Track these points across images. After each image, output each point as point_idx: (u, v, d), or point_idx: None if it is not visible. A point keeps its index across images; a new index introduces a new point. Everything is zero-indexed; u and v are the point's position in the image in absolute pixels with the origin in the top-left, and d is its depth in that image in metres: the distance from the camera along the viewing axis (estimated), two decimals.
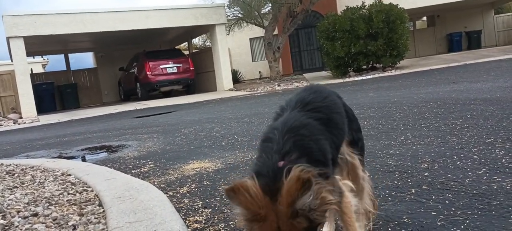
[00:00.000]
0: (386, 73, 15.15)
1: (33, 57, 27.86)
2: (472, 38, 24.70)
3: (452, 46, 24.50)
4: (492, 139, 3.30)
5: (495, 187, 2.25)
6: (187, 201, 2.76)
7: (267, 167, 1.32)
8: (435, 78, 10.57)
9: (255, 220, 1.23)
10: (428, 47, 25.65)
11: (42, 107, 17.85)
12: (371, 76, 14.97)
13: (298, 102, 1.61)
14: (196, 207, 2.62)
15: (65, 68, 22.81)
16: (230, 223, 2.26)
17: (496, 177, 2.40)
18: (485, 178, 2.42)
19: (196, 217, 2.42)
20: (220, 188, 2.97)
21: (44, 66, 34.76)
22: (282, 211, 1.21)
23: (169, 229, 1.78)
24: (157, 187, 2.99)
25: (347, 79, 15.13)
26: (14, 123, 13.76)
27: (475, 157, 2.88)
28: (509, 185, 2.25)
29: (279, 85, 16.29)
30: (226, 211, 2.47)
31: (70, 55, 23.11)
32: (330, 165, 1.50)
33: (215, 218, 2.36)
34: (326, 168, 1.44)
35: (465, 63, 15.19)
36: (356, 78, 14.92)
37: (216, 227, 2.22)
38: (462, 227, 1.83)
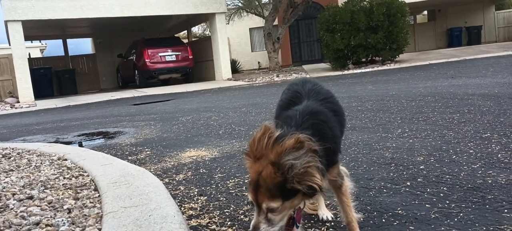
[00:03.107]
0: (385, 67, 15.13)
1: (31, 42, 27.74)
2: (472, 34, 24.65)
3: (452, 41, 24.46)
4: (488, 134, 3.31)
5: (489, 181, 2.26)
6: (182, 188, 2.77)
7: (285, 133, 1.45)
8: (433, 72, 10.57)
9: (251, 155, 1.44)
10: (428, 41, 25.60)
11: (40, 92, 17.77)
12: (370, 69, 14.95)
13: (311, 92, 1.74)
14: (192, 194, 2.62)
15: (63, 54, 22.69)
16: (225, 211, 2.26)
17: (491, 172, 2.41)
18: (480, 172, 2.43)
19: (191, 204, 2.43)
20: (216, 176, 2.98)
21: (42, 51, 34.58)
22: (270, 159, 1.37)
23: (164, 215, 1.78)
24: (153, 173, 2.99)
25: (346, 72, 15.11)
26: (11, 107, 13.73)
27: (471, 151, 2.89)
28: (503, 180, 2.26)
29: (278, 76, 16.26)
30: (221, 199, 2.47)
31: (68, 40, 22.97)
32: (338, 152, 1.65)
33: (210, 206, 2.36)
34: (335, 155, 1.60)
35: (464, 58, 15.19)
36: (355, 71, 14.90)
37: (211, 214, 2.23)
38: (456, 220, 1.84)
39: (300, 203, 1.48)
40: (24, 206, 2.16)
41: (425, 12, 29.27)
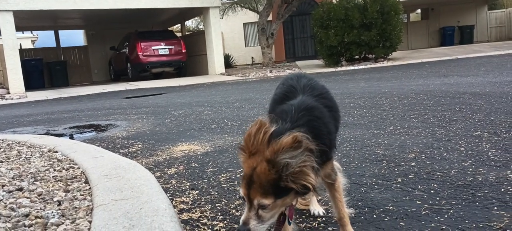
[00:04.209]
0: (378, 64, 15.19)
1: (22, 33, 27.40)
2: (464, 33, 24.83)
3: (445, 40, 24.62)
4: (479, 132, 3.34)
5: (480, 179, 2.28)
6: (174, 182, 2.76)
7: (281, 129, 1.46)
8: (426, 71, 10.63)
9: (246, 150, 1.42)
10: (420, 40, 25.74)
11: (30, 84, 17.58)
12: (363, 66, 14.99)
13: (306, 87, 1.73)
14: (184, 188, 2.61)
15: (55, 45, 22.45)
16: (216, 205, 2.26)
17: (481, 169, 2.43)
18: (470, 170, 2.45)
19: (183, 198, 2.42)
20: (208, 171, 2.97)
21: (33, 42, 34.22)
22: (266, 156, 1.35)
23: (155, 208, 1.77)
24: (144, 167, 2.98)
25: (339, 69, 15.14)
26: (1, 98, 13.56)
27: (462, 149, 2.91)
28: (493, 177, 2.28)
29: (271, 72, 16.25)
30: (213, 193, 2.47)
31: (60, 32, 22.72)
32: (333, 147, 1.65)
33: (202, 200, 2.36)
34: (329, 151, 1.60)
35: (457, 57, 15.29)
36: (348, 68, 14.94)
37: (202, 208, 2.22)
38: (446, 216, 1.85)
39: (292, 202, 1.48)
40: (13, 197, 2.14)
41: (419, 11, 29.41)
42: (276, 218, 1.50)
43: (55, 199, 2.10)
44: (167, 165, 3.24)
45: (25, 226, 1.74)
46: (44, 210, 1.92)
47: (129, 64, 18.14)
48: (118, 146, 4.18)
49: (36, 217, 1.84)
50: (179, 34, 21.90)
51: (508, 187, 2.12)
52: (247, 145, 1.42)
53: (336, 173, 1.71)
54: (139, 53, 17.22)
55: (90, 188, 2.29)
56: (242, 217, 1.41)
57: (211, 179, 2.75)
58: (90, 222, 1.76)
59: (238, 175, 2.78)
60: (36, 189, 2.30)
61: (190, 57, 19.25)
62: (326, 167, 1.62)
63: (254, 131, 1.40)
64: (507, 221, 1.75)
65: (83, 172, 2.69)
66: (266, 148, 1.36)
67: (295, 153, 1.31)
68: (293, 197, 1.42)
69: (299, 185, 1.34)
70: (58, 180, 2.52)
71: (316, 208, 2.04)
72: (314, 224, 1.94)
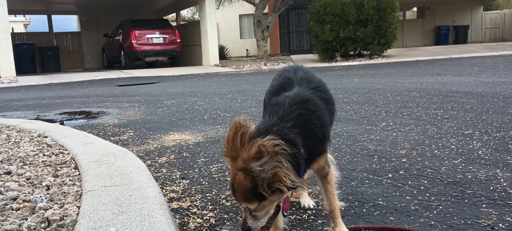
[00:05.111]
0: (372, 61, 15.22)
1: (15, 16, 27.06)
2: (459, 33, 24.96)
3: (439, 39, 24.73)
4: (470, 131, 3.36)
5: (469, 177, 2.29)
6: (165, 171, 2.74)
7: (265, 125, 1.48)
8: (420, 69, 10.68)
9: (228, 156, 1.44)
10: (415, 38, 25.83)
11: (22, 68, 17.35)
12: (358, 62, 15.02)
13: (303, 79, 1.72)
14: (174, 177, 2.60)
15: (48, 30, 22.18)
16: (206, 195, 2.25)
17: (471, 167, 2.45)
18: (460, 167, 2.47)
19: (173, 186, 2.41)
20: (200, 161, 2.96)
21: (25, 26, 33.81)
22: (239, 165, 1.39)
23: (145, 195, 1.76)
24: (135, 155, 2.96)
25: (333, 64, 15.15)
26: None
27: (452, 147, 2.93)
28: (483, 176, 2.30)
29: (265, 65, 16.21)
30: (203, 183, 2.46)
31: (53, 17, 22.45)
32: (327, 140, 1.65)
33: (192, 189, 2.35)
34: (322, 145, 1.61)
35: (450, 57, 15.38)
36: (342, 64, 14.95)
37: (192, 197, 2.21)
38: (435, 212, 1.87)
39: (280, 198, 1.49)
40: (1, 180, 2.11)
41: (415, 9, 29.48)
42: (273, 212, 1.51)
43: (43, 184, 2.08)
44: (158, 153, 3.22)
45: (12, 210, 1.72)
46: (32, 194, 1.90)
47: (122, 52, 17.98)
48: (109, 133, 4.15)
49: (24, 200, 1.82)
50: (174, 24, 21.74)
51: (497, 185, 2.14)
52: (227, 150, 1.43)
53: (329, 165, 1.71)
54: (133, 41, 17.08)
55: (79, 174, 2.27)
56: (243, 218, 1.50)
57: (202, 169, 2.74)
58: (78, 207, 1.74)
59: (229, 166, 2.78)
60: (24, 173, 2.27)
61: (185, 47, 19.13)
62: (319, 160, 1.62)
63: (231, 136, 1.40)
64: (495, 218, 1.77)
65: (73, 158, 2.66)
66: (244, 151, 1.37)
67: (262, 161, 1.32)
68: (279, 194, 1.42)
69: (271, 191, 1.35)
70: (47, 165, 2.49)
71: (307, 201, 2.05)
72: (304, 216, 1.94)
